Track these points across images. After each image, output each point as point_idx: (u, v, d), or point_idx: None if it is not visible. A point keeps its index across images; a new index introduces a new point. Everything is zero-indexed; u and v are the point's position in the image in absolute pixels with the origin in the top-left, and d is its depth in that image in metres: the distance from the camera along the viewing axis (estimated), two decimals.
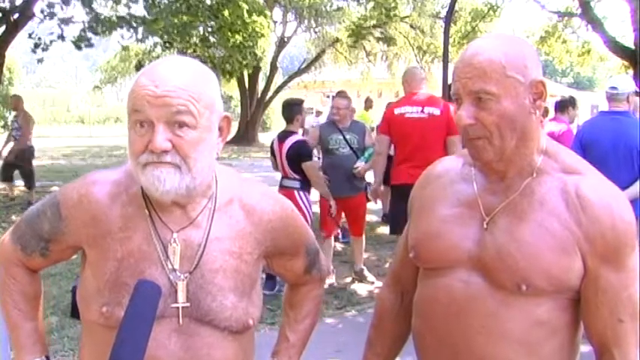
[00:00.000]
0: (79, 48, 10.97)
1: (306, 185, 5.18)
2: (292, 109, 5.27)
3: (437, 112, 4.71)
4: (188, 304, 1.28)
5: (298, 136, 5.25)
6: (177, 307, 1.28)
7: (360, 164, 5.48)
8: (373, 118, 10.98)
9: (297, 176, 5.16)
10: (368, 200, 5.68)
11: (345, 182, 5.49)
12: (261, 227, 1.38)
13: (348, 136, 5.50)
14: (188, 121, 1.20)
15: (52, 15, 10.32)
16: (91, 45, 11.19)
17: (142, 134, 1.21)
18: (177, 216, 1.30)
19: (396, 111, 4.95)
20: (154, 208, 1.30)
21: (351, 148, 5.48)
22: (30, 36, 10.57)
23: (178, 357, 1.28)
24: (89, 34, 10.60)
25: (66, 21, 10.52)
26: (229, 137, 1.43)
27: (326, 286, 5.44)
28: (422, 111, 4.77)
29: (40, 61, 10.91)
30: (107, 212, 1.31)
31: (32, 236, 1.40)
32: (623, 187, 3.95)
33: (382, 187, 5.59)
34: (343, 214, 5.78)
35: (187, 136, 1.21)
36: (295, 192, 5.11)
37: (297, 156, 5.11)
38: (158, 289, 1.24)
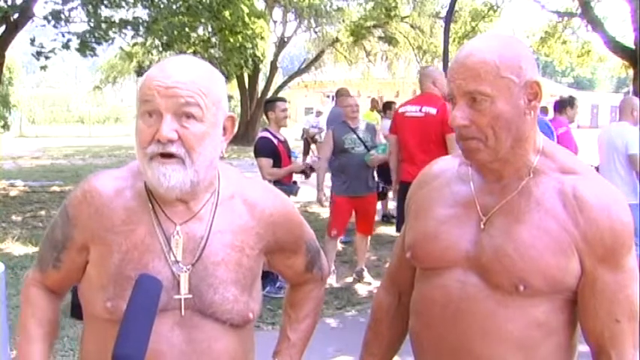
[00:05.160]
0: (84, 55, 10.88)
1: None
2: (264, 107, 5.69)
3: (433, 110, 4.73)
4: (190, 296, 1.30)
5: (264, 133, 5.43)
6: (180, 299, 1.29)
7: (374, 152, 5.59)
8: (378, 118, 11.20)
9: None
10: (379, 199, 5.75)
11: (360, 181, 5.61)
12: (263, 222, 1.40)
13: (361, 135, 5.62)
14: (195, 113, 1.24)
15: (56, 18, 10.16)
16: (95, 55, 11.10)
17: (150, 124, 1.24)
18: (180, 210, 1.33)
19: (400, 110, 5.09)
20: (158, 202, 1.32)
21: (366, 146, 5.59)
22: (32, 43, 10.41)
23: (180, 349, 1.29)
24: (92, 43, 10.47)
25: (74, 34, 10.36)
26: None
27: (326, 285, 5.48)
28: (420, 110, 4.82)
29: (43, 68, 10.84)
30: (110, 205, 1.33)
31: (47, 250, 1.42)
32: None
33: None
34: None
35: (194, 128, 1.24)
36: None
37: (255, 152, 5.34)
38: (159, 282, 1.25)
